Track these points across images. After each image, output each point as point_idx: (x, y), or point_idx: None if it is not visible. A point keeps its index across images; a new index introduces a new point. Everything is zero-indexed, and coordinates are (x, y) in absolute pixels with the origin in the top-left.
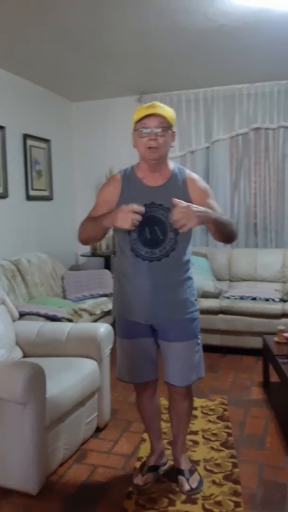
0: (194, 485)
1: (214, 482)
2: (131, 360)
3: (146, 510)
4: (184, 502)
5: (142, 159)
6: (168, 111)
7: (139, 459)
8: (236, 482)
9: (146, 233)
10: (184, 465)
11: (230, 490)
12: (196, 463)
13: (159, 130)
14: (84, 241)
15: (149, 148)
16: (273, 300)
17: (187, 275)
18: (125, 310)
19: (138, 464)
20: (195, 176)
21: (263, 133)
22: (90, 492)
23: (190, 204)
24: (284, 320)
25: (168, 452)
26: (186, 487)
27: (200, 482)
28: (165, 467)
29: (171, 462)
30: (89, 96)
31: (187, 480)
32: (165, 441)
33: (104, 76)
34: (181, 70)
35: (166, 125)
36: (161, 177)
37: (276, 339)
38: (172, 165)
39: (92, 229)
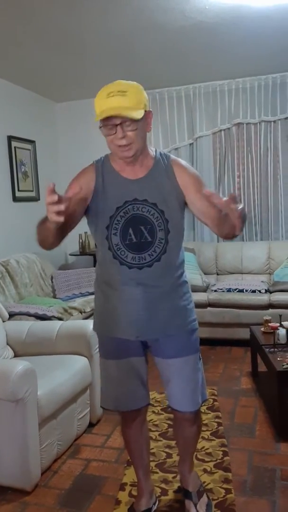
0: (202, 511)
1: (205, 470)
2: (118, 384)
3: None
4: (176, 491)
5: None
6: (132, 98)
7: None
8: (226, 469)
9: (131, 235)
10: (192, 487)
11: (221, 477)
12: None
13: (127, 124)
14: (40, 244)
15: (120, 146)
16: (259, 291)
17: (182, 279)
18: (111, 325)
19: None
20: (182, 162)
21: (245, 128)
22: (84, 485)
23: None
24: (270, 310)
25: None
26: None
27: (209, 506)
28: (155, 507)
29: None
30: (73, 96)
31: (195, 505)
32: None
33: (86, 76)
34: (162, 68)
35: (134, 118)
36: (142, 167)
37: (263, 329)
38: (153, 151)
39: (41, 231)
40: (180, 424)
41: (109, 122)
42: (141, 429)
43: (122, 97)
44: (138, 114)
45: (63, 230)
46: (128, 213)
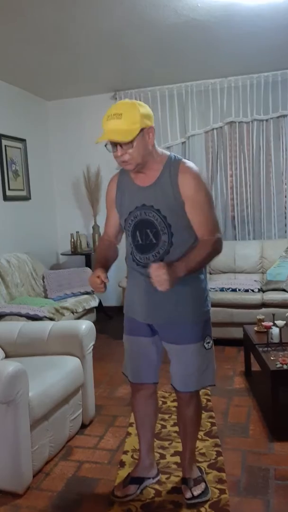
0: (196, 493)
1: None
2: (129, 356)
3: (133, 502)
4: (169, 492)
5: None
6: (126, 119)
7: (125, 452)
8: (220, 470)
9: (137, 237)
10: (189, 474)
11: (215, 478)
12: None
13: (124, 144)
14: None
15: (122, 161)
16: (252, 290)
17: (194, 276)
18: (130, 307)
19: (124, 458)
20: (190, 170)
21: (237, 127)
22: (76, 487)
23: (163, 267)
24: (263, 309)
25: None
26: (188, 494)
27: (204, 492)
28: (153, 481)
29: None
30: (64, 94)
31: (190, 488)
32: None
33: (77, 74)
34: (154, 66)
35: (129, 140)
36: (151, 175)
37: (256, 328)
38: (165, 157)
39: None
40: (178, 404)
41: (111, 142)
42: (145, 402)
43: (118, 120)
44: (130, 135)
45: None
46: (137, 217)
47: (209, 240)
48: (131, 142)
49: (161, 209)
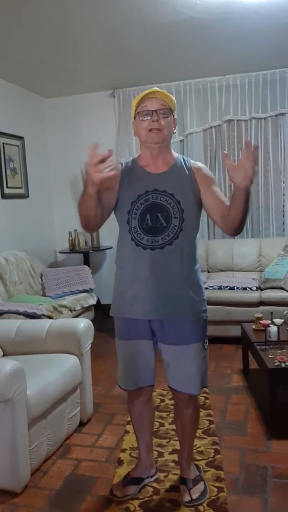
0: (195, 496)
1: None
2: (127, 363)
3: (132, 500)
4: (168, 490)
5: (143, 145)
6: (169, 95)
7: (123, 450)
8: (218, 468)
9: (148, 220)
10: (188, 474)
11: (213, 476)
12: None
13: (161, 112)
14: (84, 225)
15: (151, 130)
16: (250, 289)
17: (194, 271)
18: (123, 306)
19: (122, 456)
20: (200, 164)
21: (236, 125)
22: (75, 486)
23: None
24: (261, 308)
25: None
26: (186, 498)
27: (203, 493)
28: (152, 479)
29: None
30: (62, 92)
31: (189, 490)
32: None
33: (76, 72)
34: (152, 63)
35: (168, 108)
36: (164, 163)
37: (254, 326)
38: (176, 154)
39: (83, 205)
40: (177, 405)
41: (146, 108)
42: (144, 406)
43: (162, 91)
44: (172, 105)
45: (100, 211)
46: (147, 201)
47: None
48: (169, 113)
49: (175, 194)
